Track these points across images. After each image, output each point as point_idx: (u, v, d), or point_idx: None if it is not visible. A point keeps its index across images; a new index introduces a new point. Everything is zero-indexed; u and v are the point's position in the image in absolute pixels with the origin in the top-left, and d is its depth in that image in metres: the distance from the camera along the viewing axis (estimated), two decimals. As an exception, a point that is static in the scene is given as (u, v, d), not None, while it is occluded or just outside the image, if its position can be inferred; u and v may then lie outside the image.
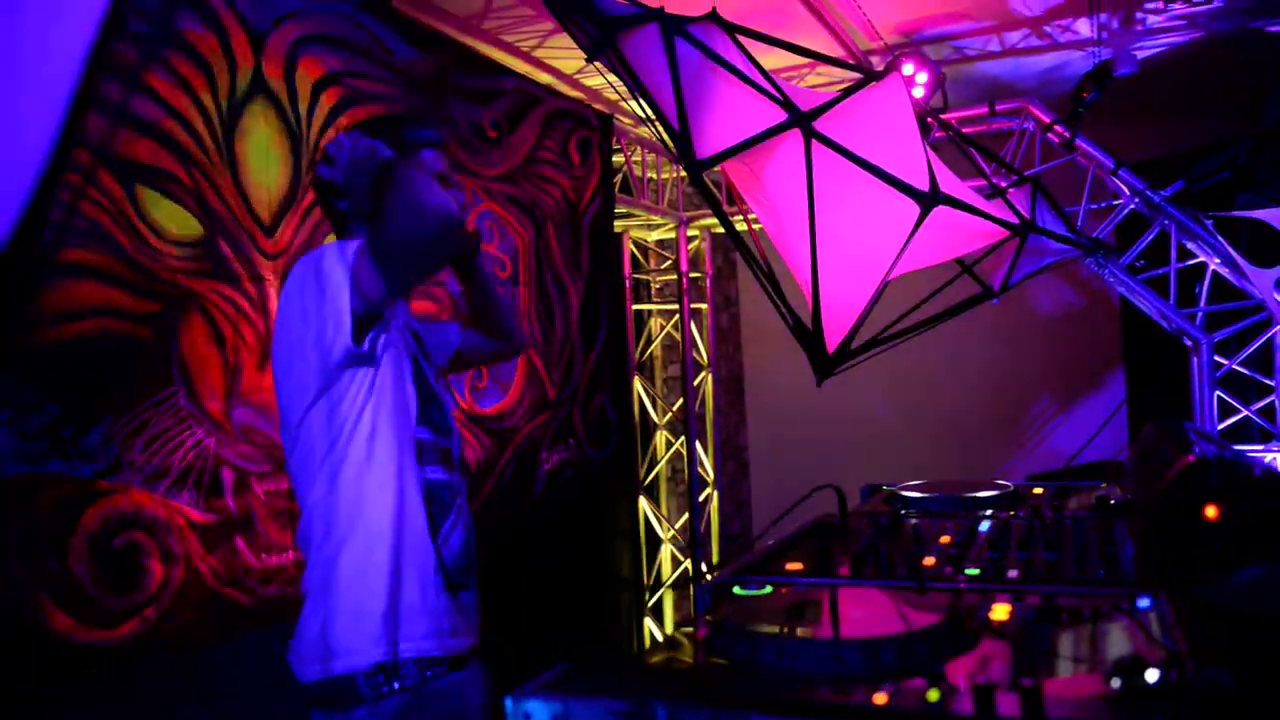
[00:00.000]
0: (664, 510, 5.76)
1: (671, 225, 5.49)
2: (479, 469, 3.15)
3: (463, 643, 1.60)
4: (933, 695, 0.84)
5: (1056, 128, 4.38)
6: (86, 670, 1.99)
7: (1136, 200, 4.35)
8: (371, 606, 1.51)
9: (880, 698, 0.84)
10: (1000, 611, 1.11)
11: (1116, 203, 4.48)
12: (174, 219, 2.24)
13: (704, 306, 5.84)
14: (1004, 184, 3.64)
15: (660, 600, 5.63)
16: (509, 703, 0.92)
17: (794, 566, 1.42)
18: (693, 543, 5.48)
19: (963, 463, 5.66)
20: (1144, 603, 1.03)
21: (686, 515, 5.58)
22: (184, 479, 2.21)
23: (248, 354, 2.38)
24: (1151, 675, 0.80)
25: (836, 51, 4.41)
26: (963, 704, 0.81)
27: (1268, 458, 4.24)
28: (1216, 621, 0.92)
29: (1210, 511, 1.00)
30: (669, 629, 5.56)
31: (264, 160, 2.48)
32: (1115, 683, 0.81)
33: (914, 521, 1.72)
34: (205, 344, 2.28)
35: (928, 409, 6.24)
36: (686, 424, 5.53)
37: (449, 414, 1.70)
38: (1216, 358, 4.32)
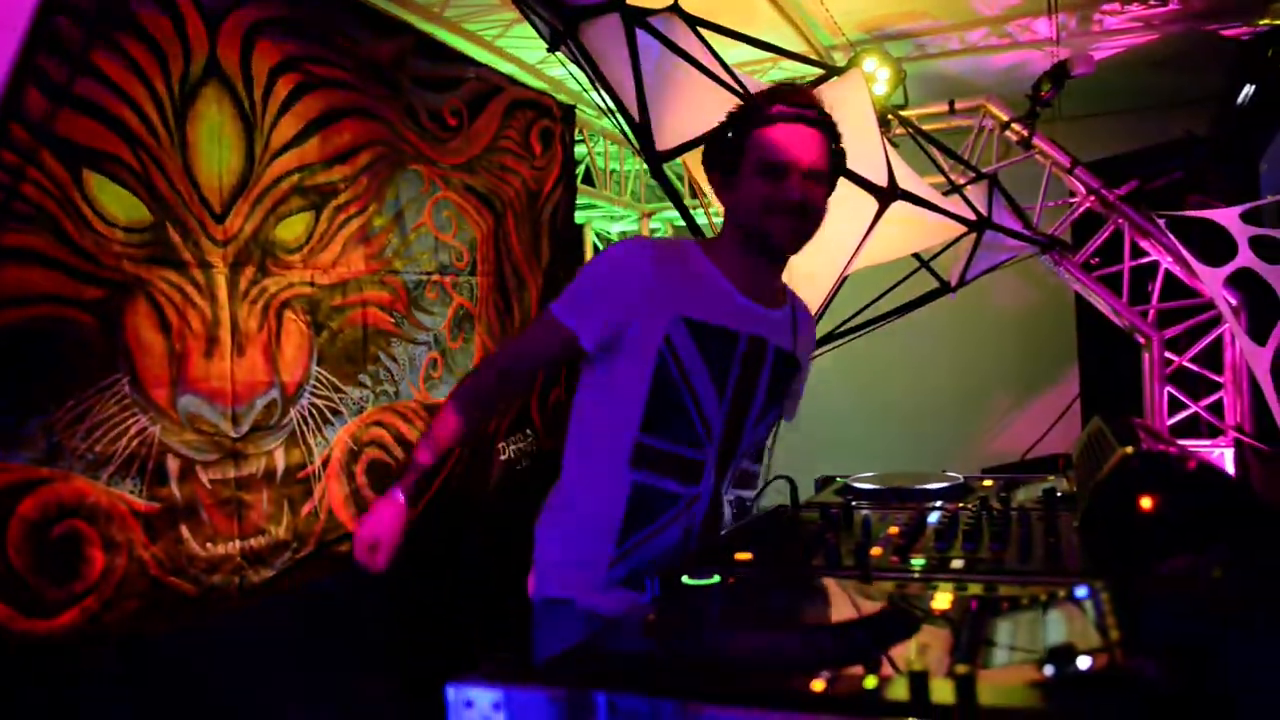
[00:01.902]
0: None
1: (634, 217, 5.48)
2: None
3: None
4: (870, 682, 0.84)
5: (1014, 125, 4.43)
6: (25, 659, 1.95)
7: (1092, 198, 4.42)
8: None
9: (818, 684, 0.84)
10: (942, 600, 1.11)
11: (1073, 200, 4.54)
12: (121, 204, 2.19)
13: (666, 299, 5.85)
14: (962, 181, 3.68)
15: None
16: (450, 690, 0.91)
17: (743, 556, 1.43)
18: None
19: (920, 456, 5.72)
20: (1081, 592, 1.05)
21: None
22: (127, 467, 2.17)
23: (194, 341, 2.34)
24: (1083, 663, 0.81)
25: (799, 47, 4.42)
26: (899, 690, 0.82)
27: (1215, 453, 4.33)
28: (1150, 611, 0.93)
29: (1146, 503, 1.02)
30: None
31: (216, 146, 2.43)
32: (1048, 670, 0.81)
33: (864, 512, 1.73)
34: (151, 331, 2.23)
35: (887, 402, 6.30)
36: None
37: (713, 435, 1.70)
38: (1167, 354, 4.40)
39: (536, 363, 1.79)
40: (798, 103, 1.66)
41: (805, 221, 1.66)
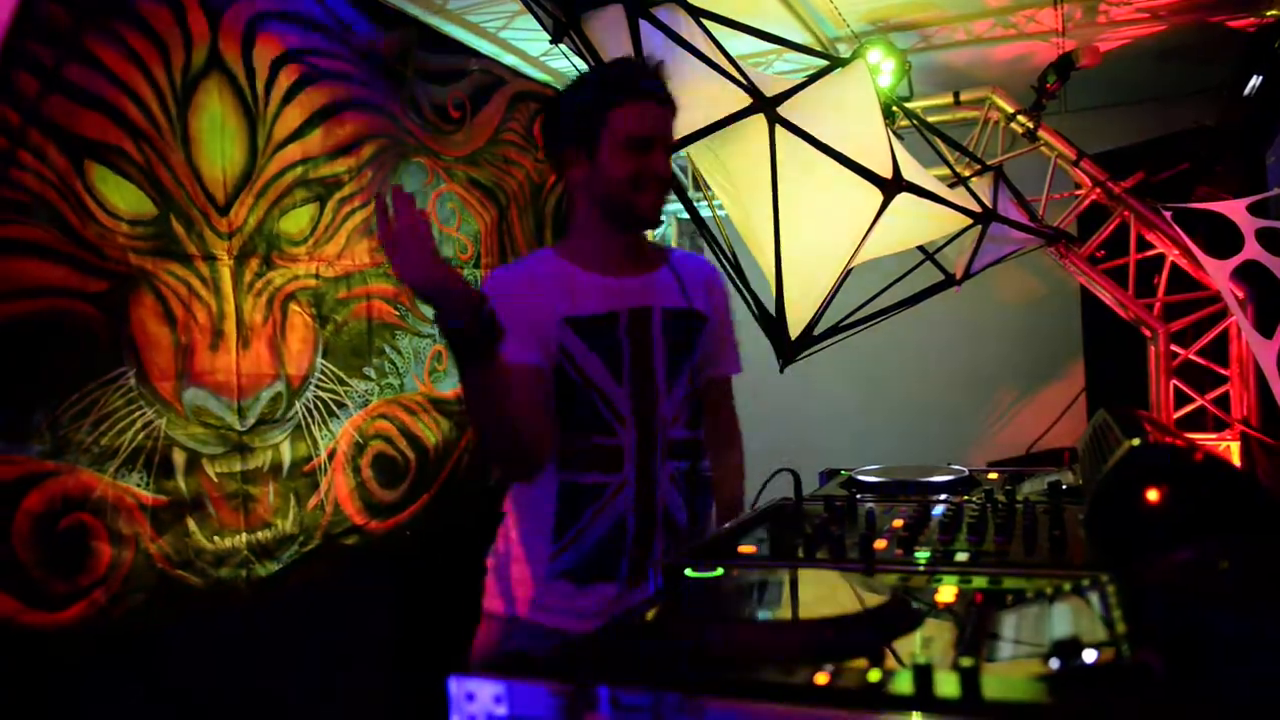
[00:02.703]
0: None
1: (638, 210, 5.47)
2: (438, 453, 3.13)
3: None
4: (874, 675, 0.84)
5: (1020, 117, 4.41)
6: (33, 652, 1.96)
7: (1098, 191, 4.40)
8: None
9: (822, 677, 0.84)
10: (946, 593, 1.11)
11: (1078, 193, 4.52)
12: (124, 196, 2.19)
13: (670, 292, 5.83)
14: (967, 173, 3.67)
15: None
16: (452, 683, 0.91)
17: (746, 549, 1.42)
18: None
19: (925, 449, 5.70)
20: (1087, 585, 1.04)
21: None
22: (134, 460, 2.17)
23: (199, 334, 2.34)
24: (1089, 656, 0.80)
25: (803, 38, 4.40)
26: (902, 684, 0.81)
27: (1221, 446, 4.32)
28: (1156, 603, 0.93)
29: (1152, 495, 1.01)
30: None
31: (218, 137, 2.43)
32: (1054, 663, 0.81)
33: (868, 505, 1.72)
34: (156, 324, 2.24)
35: (891, 395, 6.29)
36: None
37: (624, 420, 1.73)
38: (1173, 347, 4.39)
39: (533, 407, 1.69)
40: (653, 78, 1.70)
41: (666, 192, 1.72)
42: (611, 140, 1.65)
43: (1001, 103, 4.48)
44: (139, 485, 2.18)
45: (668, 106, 1.72)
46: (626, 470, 1.71)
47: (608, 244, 1.75)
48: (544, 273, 1.73)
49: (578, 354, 1.69)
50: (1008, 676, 0.82)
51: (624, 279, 1.75)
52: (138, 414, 2.18)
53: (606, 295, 1.72)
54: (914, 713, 0.76)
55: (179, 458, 2.27)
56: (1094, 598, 0.99)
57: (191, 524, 2.29)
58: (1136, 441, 1.13)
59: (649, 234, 5.49)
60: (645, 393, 1.73)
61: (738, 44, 2.65)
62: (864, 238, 2.76)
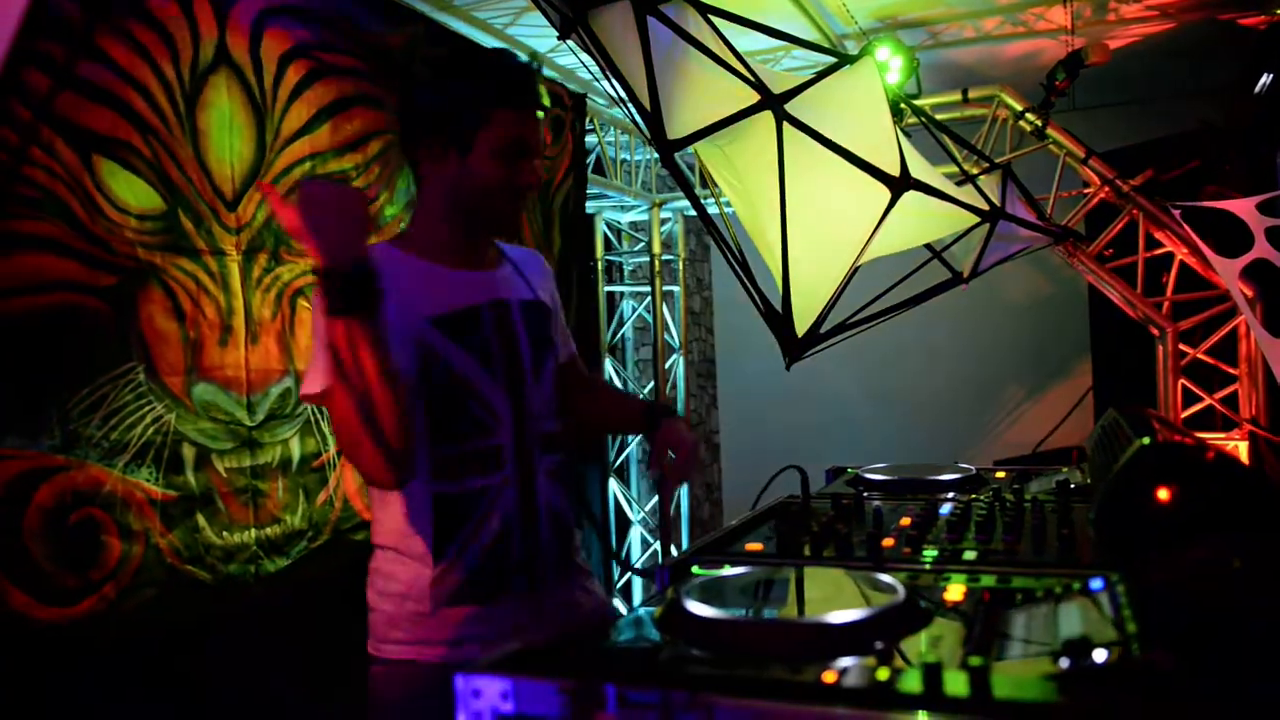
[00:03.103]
0: (634, 492, 5.77)
1: (645, 207, 5.47)
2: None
3: None
4: (882, 674, 0.84)
5: (1029, 115, 4.39)
6: (44, 647, 1.97)
7: (1106, 189, 4.38)
8: None
9: (830, 676, 0.84)
10: (955, 592, 1.11)
11: (1087, 191, 4.51)
12: (132, 190, 2.19)
13: (676, 289, 5.84)
14: (975, 171, 3.65)
15: (629, 581, 5.64)
16: (459, 680, 0.91)
17: (753, 547, 1.43)
18: (663, 525, 5.51)
19: (932, 447, 5.70)
20: (1096, 584, 1.04)
21: (656, 498, 5.60)
22: (143, 455, 2.18)
23: (208, 329, 2.35)
24: (1099, 655, 0.80)
25: (812, 35, 4.40)
26: (911, 682, 0.81)
27: (1230, 446, 4.31)
28: (1165, 603, 0.93)
29: (1163, 494, 1.01)
30: (638, 611, 5.57)
31: (227, 133, 2.44)
32: (1064, 663, 0.81)
33: (876, 503, 1.72)
34: (165, 319, 2.24)
35: (897, 394, 6.29)
36: (658, 406, 5.53)
37: (500, 416, 1.67)
38: (1181, 346, 4.37)
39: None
40: (532, 84, 1.62)
41: (527, 202, 1.68)
42: (489, 143, 1.56)
43: (1010, 100, 4.47)
44: (149, 480, 2.18)
45: (541, 111, 1.64)
46: (507, 470, 1.61)
47: (456, 240, 1.66)
48: (387, 269, 1.51)
49: (445, 352, 1.57)
50: (1018, 675, 0.82)
51: (476, 272, 1.67)
52: (147, 409, 2.19)
53: (466, 288, 1.63)
54: (923, 712, 0.76)
55: (188, 453, 2.28)
56: (1103, 597, 0.99)
57: (201, 519, 2.29)
58: (1147, 440, 1.12)
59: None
60: (516, 386, 1.64)
61: (745, 41, 2.64)
62: (871, 235, 2.75)
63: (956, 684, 0.79)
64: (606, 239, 5.60)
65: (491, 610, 1.59)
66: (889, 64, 3.96)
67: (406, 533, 1.60)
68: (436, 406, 1.58)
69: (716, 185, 3.08)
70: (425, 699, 1.57)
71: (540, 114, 1.64)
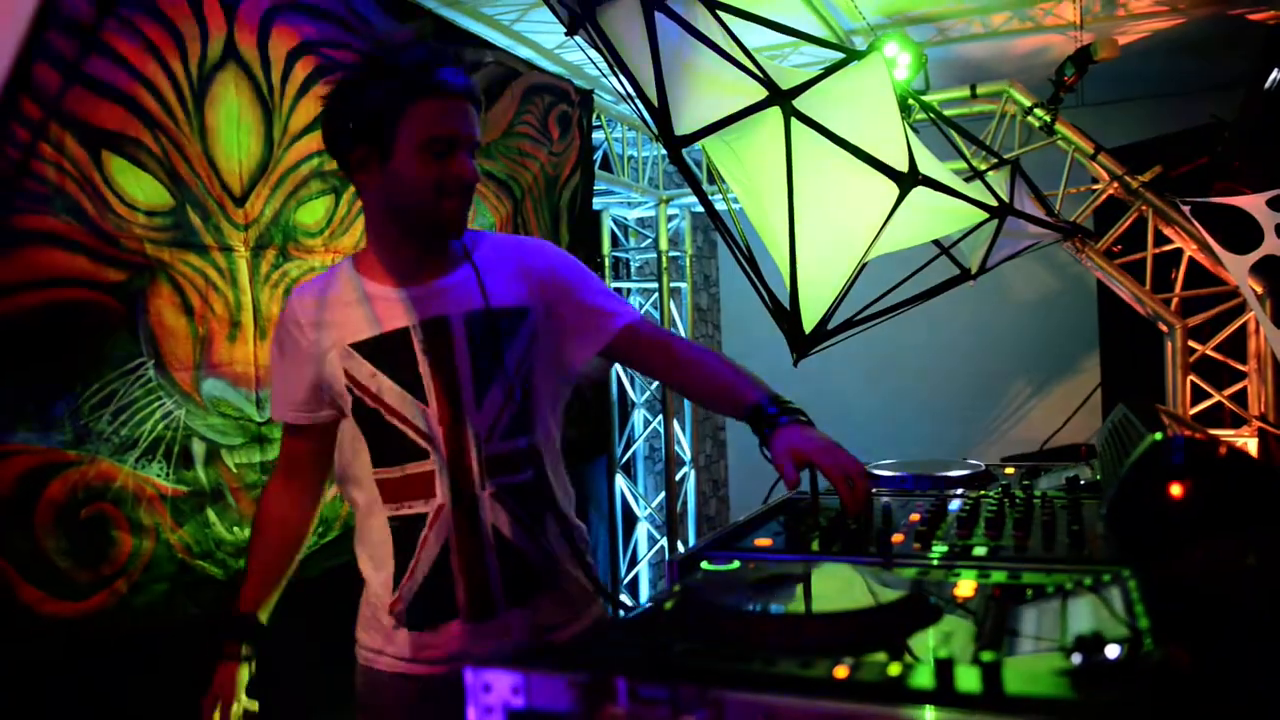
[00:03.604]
0: (640, 489, 5.77)
1: (652, 203, 5.47)
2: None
3: None
4: (894, 669, 0.84)
5: (1037, 111, 4.38)
6: (55, 641, 1.98)
7: (1115, 185, 4.37)
8: None
9: (841, 671, 0.84)
10: (965, 588, 1.11)
11: (1095, 187, 4.49)
12: (141, 187, 2.20)
13: (684, 285, 5.84)
14: (984, 167, 3.64)
15: (636, 577, 5.65)
16: (469, 674, 0.91)
17: (762, 542, 1.42)
18: (669, 521, 5.51)
19: (939, 444, 5.70)
20: (1108, 580, 1.04)
21: (663, 494, 5.60)
22: (153, 451, 2.18)
23: (217, 325, 2.35)
24: (1112, 651, 0.80)
25: (820, 31, 4.39)
26: (923, 678, 0.81)
27: (1239, 442, 4.29)
28: (1178, 599, 0.92)
29: (1176, 489, 1.01)
30: (645, 607, 5.57)
31: (235, 129, 2.44)
32: (1076, 658, 0.81)
33: (885, 499, 1.72)
34: (174, 314, 2.25)
35: (906, 390, 6.28)
36: (664, 402, 5.54)
37: (433, 441, 1.63)
38: (1190, 343, 4.36)
39: (306, 462, 1.71)
40: (453, 71, 1.51)
41: (470, 198, 1.56)
42: (408, 141, 1.47)
43: (1019, 96, 4.46)
44: (159, 476, 2.19)
45: (471, 102, 1.52)
46: (440, 494, 1.56)
47: (402, 251, 1.58)
48: (332, 293, 1.60)
49: (367, 381, 1.55)
50: (1030, 671, 0.82)
51: (415, 288, 1.58)
52: (157, 404, 2.20)
53: (396, 310, 1.57)
54: (935, 707, 0.76)
55: (198, 448, 2.28)
56: (1115, 593, 0.99)
57: (211, 514, 2.30)
58: (1160, 435, 1.12)
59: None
60: (451, 408, 1.56)
61: (753, 37, 2.63)
62: (879, 231, 2.75)
63: (968, 679, 0.79)
64: (613, 235, 5.60)
65: (435, 636, 1.60)
66: (897, 60, 3.95)
67: (375, 549, 1.64)
68: (369, 432, 1.58)
69: (724, 181, 3.08)
70: (386, 705, 1.65)
71: (469, 103, 1.52)
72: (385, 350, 1.56)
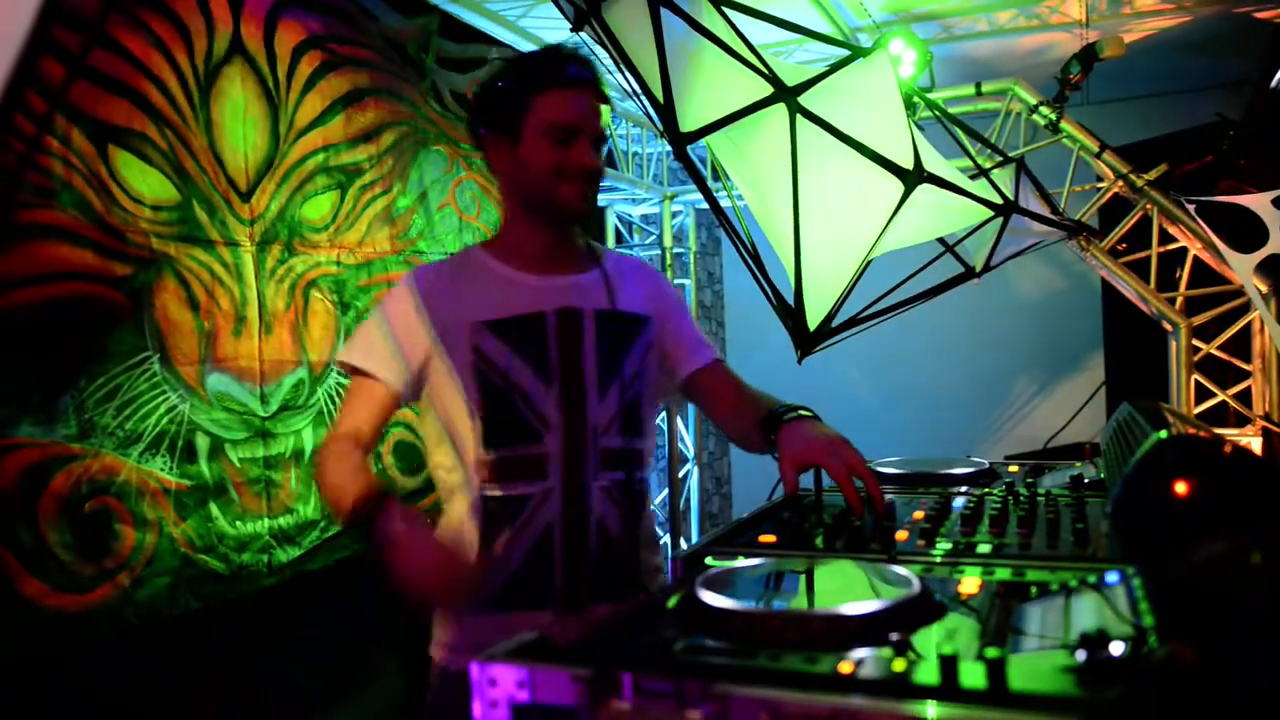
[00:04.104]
0: (644, 485, 5.78)
1: (656, 200, 5.46)
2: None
3: None
4: (899, 665, 0.84)
5: (1042, 109, 4.37)
6: (58, 634, 1.98)
7: (1120, 183, 4.36)
8: None
9: (846, 666, 0.84)
10: (969, 585, 1.11)
11: (1100, 185, 4.48)
12: (147, 181, 2.20)
13: (688, 282, 5.83)
14: (989, 164, 3.64)
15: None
16: (474, 668, 0.91)
17: (766, 539, 1.42)
18: (672, 518, 5.51)
19: (942, 442, 5.69)
20: (1112, 578, 1.04)
21: (666, 491, 5.60)
22: (157, 445, 2.19)
23: (222, 320, 2.36)
24: (1116, 649, 0.80)
25: (825, 28, 4.38)
26: (928, 674, 0.81)
27: (1243, 442, 4.28)
28: (1183, 597, 0.92)
29: (1180, 488, 1.01)
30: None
31: (240, 124, 2.44)
32: (1080, 656, 0.81)
33: (889, 497, 1.72)
34: (179, 309, 2.25)
35: (909, 388, 6.28)
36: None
37: (550, 425, 1.62)
38: (1195, 342, 4.35)
39: (371, 424, 1.63)
40: (579, 65, 1.61)
41: (595, 186, 1.63)
42: (534, 128, 1.57)
43: (1024, 94, 4.45)
44: (163, 470, 2.20)
45: (596, 96, 1.62)
46: (552, 478, 1.59)
47: (534, 239, 1.65)
48: (465, 273, 1.64)
49: (497, 357, 1.57)
50: (1034, 668, 0.82)
51: (551, 278, 1.65)
52: (161, 399, 2.20)
53: (532, 294, 1.62)
54: (939, 703, 0.76)
55: (202, 443, 2.29)
56: (1120, 590, 0.99)
57: (214, 509, 2.31)
58: (1165, 433, 1.12)
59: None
60: (574, 397, 1.61)
61: (758, 33, 2.63)
62: (884, 229, 2.75)
63: (973, 676, 0.79)
64: (618, 232, 5.60)
65: (526, 621, 1.57)
66: (902, 57, 3.95)
67: (459, 531, 1.61)
68: (488, 409, 1.58)
69: (729, 178, 3.08)
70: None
71: (593, 96, 1.62)
72: (518, 331, 1.59)
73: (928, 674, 0.81)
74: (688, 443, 5.82)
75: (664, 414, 5.59)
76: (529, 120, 1.57)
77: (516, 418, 1.58)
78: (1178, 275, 4.37)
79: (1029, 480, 1.85)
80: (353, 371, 1.60)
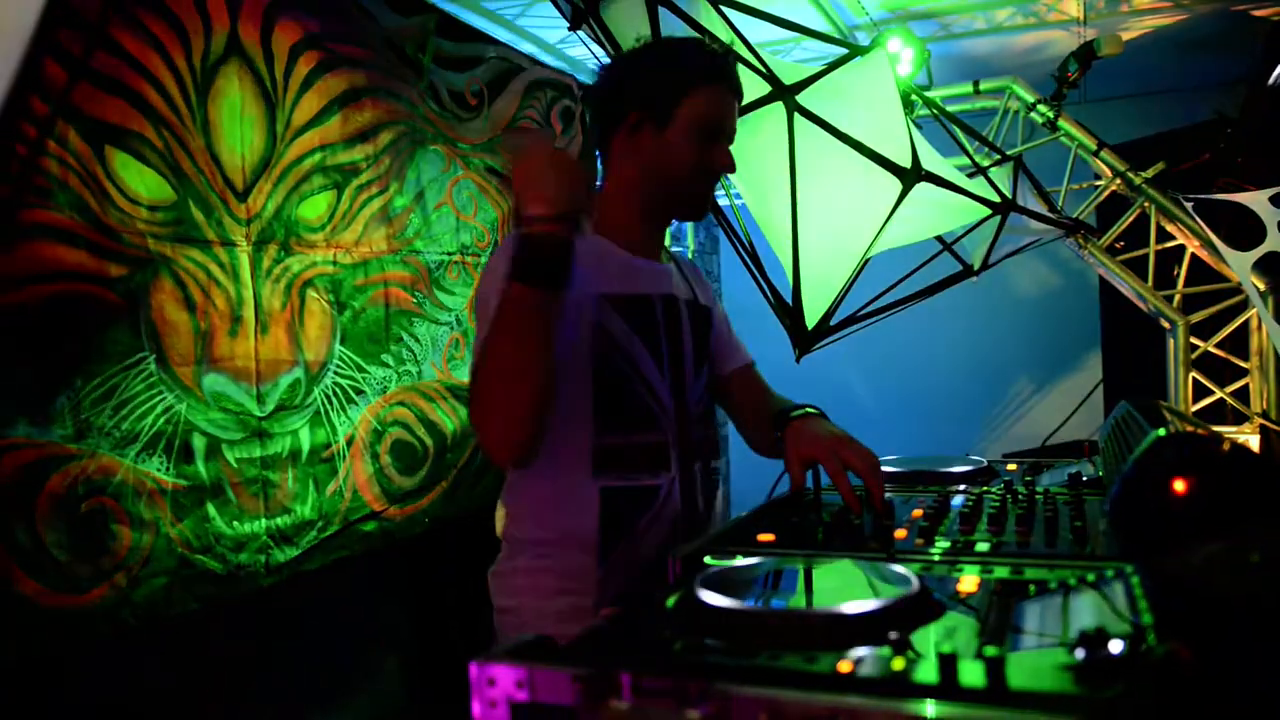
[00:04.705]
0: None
1: (654, 199, 5.46)
2: (455, 440, 3.14)
3: None
4: (898, 664, 0.84)
5: (1040, 107, 4.37)
6: (54, 635, 1.98)
7: (1118, 181, 4.36)
8: None
9: (845, 665, 0.84)
10: (968, 583, 1.11)
11: (1098, 183, 4.49)
12: (144, 181, 2.20)
13: (685, 282, 5.83)
14: (987, 163, 3.64)
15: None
16: (474, 668, 0.91)
17: (765, 538, 1.42)
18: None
19: (940, 440, 5.69)
20: (1110, 575, 1.04)
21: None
22: (154, 445, 2.18)
23: (219, 320, 2.35)
24: (1115, 647, 0.80)
25: (823, 26, 4.38)
26: (927, 672, 0.81)
27: (1240, 440, 4.28)
28: (1181, 596, 0.92)
29: (1179, 486, 1.01)
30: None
31: (238, 123, 2.44)
32: (1079, 654, 0.80)
33: (887, 495, 1.72)
34: (176, 309, 2.25)
35: (906, 386, 6.28)
36: (666, 399, 5.53)
37: (666, 410, 1.57)
38: (1192, 340, 4.35)
39: None
40: (733, 69, 1.60)
41: (715, 187, 1.66)
42: (689, 120, 1.52)
43: (1022, 92, 4.45)
44: (159, 470, 2.19)
45: (739, 99, 1.62)
46: (674, 469, 1.55)
47: (644, 225, 1.62)
48: (581, 243, 1.46)
49: (620, 336, 1.50)
50: (1033, 666, 0.82)
51: (651, 264, 1.62)
52: (158, 399, 2.19)
53: (641, 277, 1.58)
54: (938, 701, 0.76)
55: (199, 443, 2.28)
56: (1118, 589, 0.99)
57: (211, 509, 2.30)
58: (1163, 431, 1.12)
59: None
60: (680, 383, 1.59)
61: (756, 31, 2.63)
62: (882, 227, 2.75)
63: (972, 674, 0.79)
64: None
65: None
66: (900, 55, 3.95)
67: (569, 525, 1.50)
68: (605, 389, 1.49)
69: (727, 177, 3.07)
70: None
71: (738, 103, 1.61)
72: (637, 312, 1.54)
73: (927, 672, 0.81)
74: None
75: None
76: (684, 111, 1.52)
77: (637, 404, 1.52)
78: (1175, 273, 4.37)
79: (1027, 478, 1.85)
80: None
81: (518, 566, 1.56)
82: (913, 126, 2.84)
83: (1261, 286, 3.96)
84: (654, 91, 1.54)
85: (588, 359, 1.49)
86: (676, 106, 1.53)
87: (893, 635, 0.87)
